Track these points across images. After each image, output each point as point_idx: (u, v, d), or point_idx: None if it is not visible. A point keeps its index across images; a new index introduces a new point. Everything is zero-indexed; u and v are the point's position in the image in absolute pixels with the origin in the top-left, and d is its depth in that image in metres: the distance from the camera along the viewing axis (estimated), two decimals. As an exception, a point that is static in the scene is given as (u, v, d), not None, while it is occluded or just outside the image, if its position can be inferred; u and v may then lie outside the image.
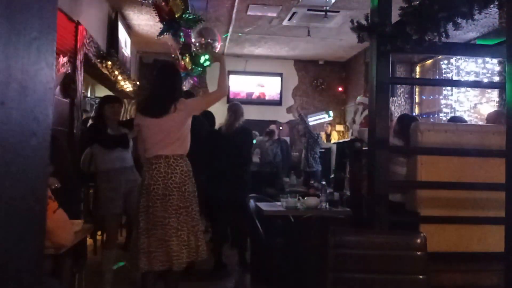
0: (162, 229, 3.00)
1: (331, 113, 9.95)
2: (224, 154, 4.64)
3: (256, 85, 10.52)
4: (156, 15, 5.25)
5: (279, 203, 4.15)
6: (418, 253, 2.06)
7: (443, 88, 7.69)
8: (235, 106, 4.85)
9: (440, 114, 7.83)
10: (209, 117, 4.96)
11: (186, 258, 3.03)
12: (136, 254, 3.04)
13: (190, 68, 7.72)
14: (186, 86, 8.42)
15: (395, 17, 2.74)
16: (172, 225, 3.00)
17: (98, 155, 3.94)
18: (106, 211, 3.84)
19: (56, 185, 2.73)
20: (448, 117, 7.03)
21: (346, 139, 8.01)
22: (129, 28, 7.70)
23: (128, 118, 7.95)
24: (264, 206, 4.10)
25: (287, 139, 10.36)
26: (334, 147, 6.70)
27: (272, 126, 8.23)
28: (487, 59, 6.67)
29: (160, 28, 5.21)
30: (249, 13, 7.11)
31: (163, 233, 3.00)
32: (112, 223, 3.90)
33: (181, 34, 5.48)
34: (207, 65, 7.50)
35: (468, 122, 5.84)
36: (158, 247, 3.00)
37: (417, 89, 8.85)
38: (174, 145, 3.13)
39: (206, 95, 3.35)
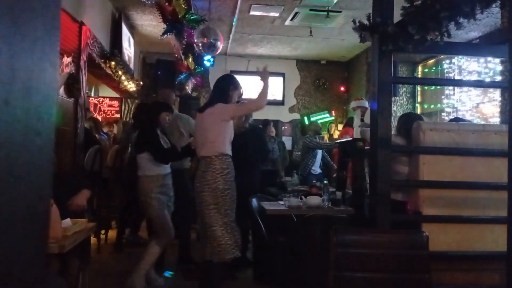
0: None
1: (333, 113, 9.95)
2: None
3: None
4: (159, 15, 5.27)
5: (281, 202, 4.15)
6: (420, 252, 2.07)
7: (445, 88, 7.68)
8: None
9: (442, 114, 7.82)
10: None
11: None
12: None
13: (193, 68, 7.74)
14: (189, 86, 8.43)
15: (397, 17, 2.75)
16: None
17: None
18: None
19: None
20: (451, 117, 7.03)
21: (348, 139, 7.93)
22: (132, 28, 7.71)
23: (130, 117, 7.98)
24: (266, 205, 4.11)
25: (290, 138, 10.36)
26: (337, 147, 6.66)
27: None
28: (489, 58, 6.65)
29: (164, 28, 5.24)
30: (251, 13, 7.11)
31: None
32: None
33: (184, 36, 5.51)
34: (210, 65, 7.52)
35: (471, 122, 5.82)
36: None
37: (419, 89, 8.84)
38: None
39: (244, 104, 3.63)
